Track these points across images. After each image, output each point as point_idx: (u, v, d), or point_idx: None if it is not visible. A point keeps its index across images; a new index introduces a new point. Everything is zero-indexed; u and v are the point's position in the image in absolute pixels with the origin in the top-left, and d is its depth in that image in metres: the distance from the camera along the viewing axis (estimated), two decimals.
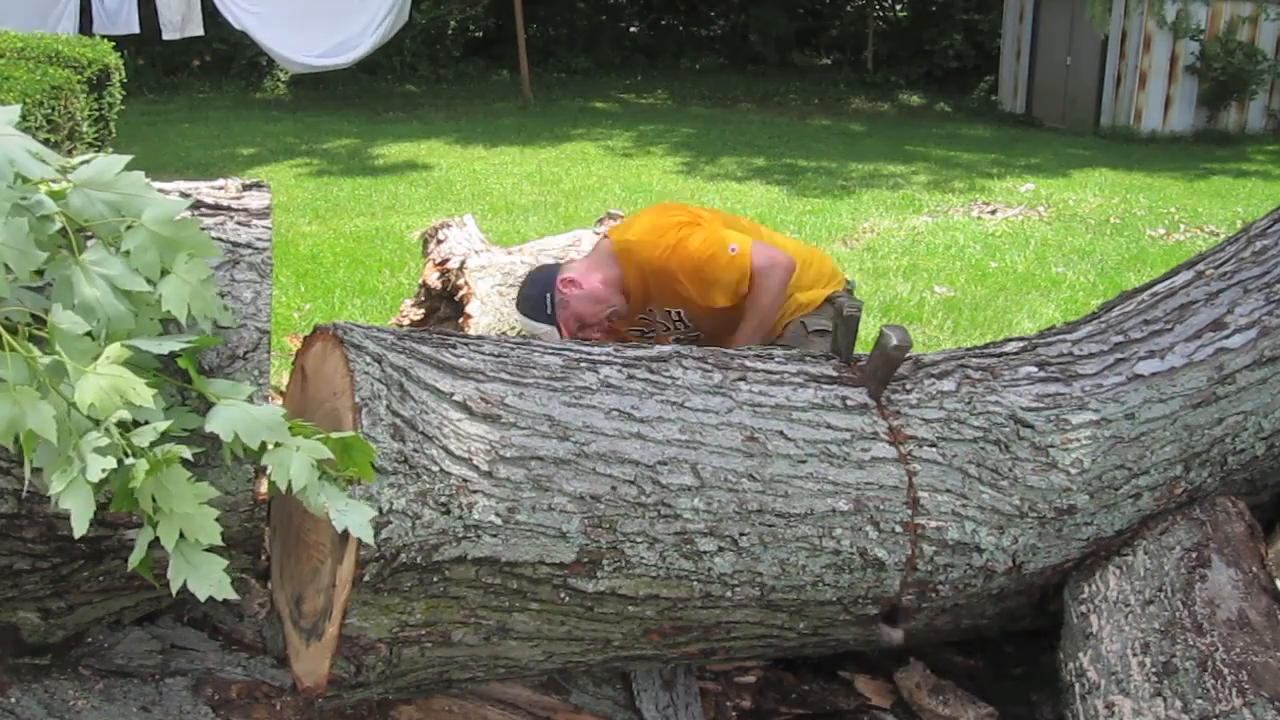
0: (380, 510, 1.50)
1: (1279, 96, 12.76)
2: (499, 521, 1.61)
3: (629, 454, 1.73)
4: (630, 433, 1.76)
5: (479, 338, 1.86)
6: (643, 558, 1.72)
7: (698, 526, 1.76)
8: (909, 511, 1.91)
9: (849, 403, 1.97)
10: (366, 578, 1.52)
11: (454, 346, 1.77)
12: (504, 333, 4.25)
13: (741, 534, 1.79)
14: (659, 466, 1.75)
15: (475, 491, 1.60)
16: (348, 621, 1.56)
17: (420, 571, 1.57)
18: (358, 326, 1.69)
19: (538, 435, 1.68)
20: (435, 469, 1.57)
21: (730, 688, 2.20)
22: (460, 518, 1.58)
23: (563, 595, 1.70)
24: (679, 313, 2.74)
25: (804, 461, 1.86)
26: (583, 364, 1.84)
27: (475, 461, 1.61)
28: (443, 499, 1.57)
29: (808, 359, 2.09)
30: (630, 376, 1.85)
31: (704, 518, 1.76)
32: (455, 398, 1.65)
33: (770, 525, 1.81)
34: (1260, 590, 1.92)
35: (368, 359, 1.59)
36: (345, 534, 1.49)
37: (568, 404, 1.74)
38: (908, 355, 2.05)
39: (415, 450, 1.55)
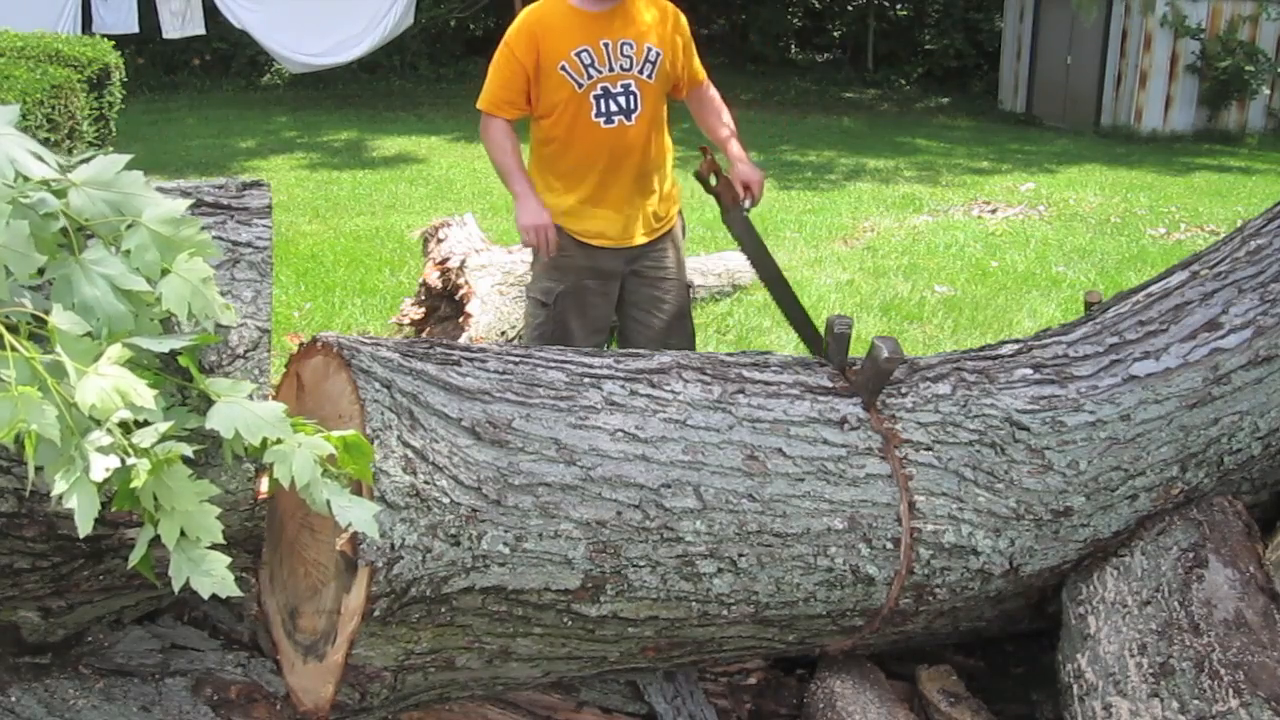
0: (393, 546, 1.50)
1: (1279, 96, 12.76)
2: (507, 551, 1.61)
3: (634, 477, 1.74)
4: (635, 455, 1.76)
5: (482, 350, 1.84)
6: (645, 581, 1.73)
7: (699, 549, 1.77)
8: (900, 525, 1.91)
9: (844, 417, 1.97)
10: (376, 612, 1.52)
11: (459, 364, 1.75)
12: (504, 332, 4.25)
13: (740, 555, 1.80)
14: (663, 490, 1.75)
15: (484, 521, 1.59)
16: (354, 651, 1.56)
17: (429, 603, 1.57)
18: (363, 344, 1.67)
19: (545, 460, 1.68)
20: (446, 500, 1.56)
21: (732, 692, 2.21)
22: (470, 549, 1.58)
23: (566, 620, 1.71)
24: (656, 52, 3.00)
25: (802, 480, 1.87)
26: (586, 379, 1.84)
27: (484, 490, 1.61)
28: (453, 530, 1.56)
29: (802, 368, 2.08)
30: (633, 393, 1.85)
31: (705, 540, 1.77)
32: (464, 423, 1.64)
33: (768, 545, 1.82)
34: (1257, 590, 1.93)
35: (377, 385, 1.58)
36: (353, 564, 1.49)
37: (574, 425, 1.74)
38: (900, 364, 2.06)
39: (426, 483, 1.55)
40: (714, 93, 3.24)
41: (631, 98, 2.97)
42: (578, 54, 2.90)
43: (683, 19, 3.12)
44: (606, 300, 3.12)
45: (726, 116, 3.21)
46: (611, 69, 2.93)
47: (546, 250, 2.98)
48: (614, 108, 2.95)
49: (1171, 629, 1.88)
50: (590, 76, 2.91)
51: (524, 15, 2.95)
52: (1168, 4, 12.12)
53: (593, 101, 2.93)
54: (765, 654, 2.07)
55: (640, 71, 2.97)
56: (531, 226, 2.96)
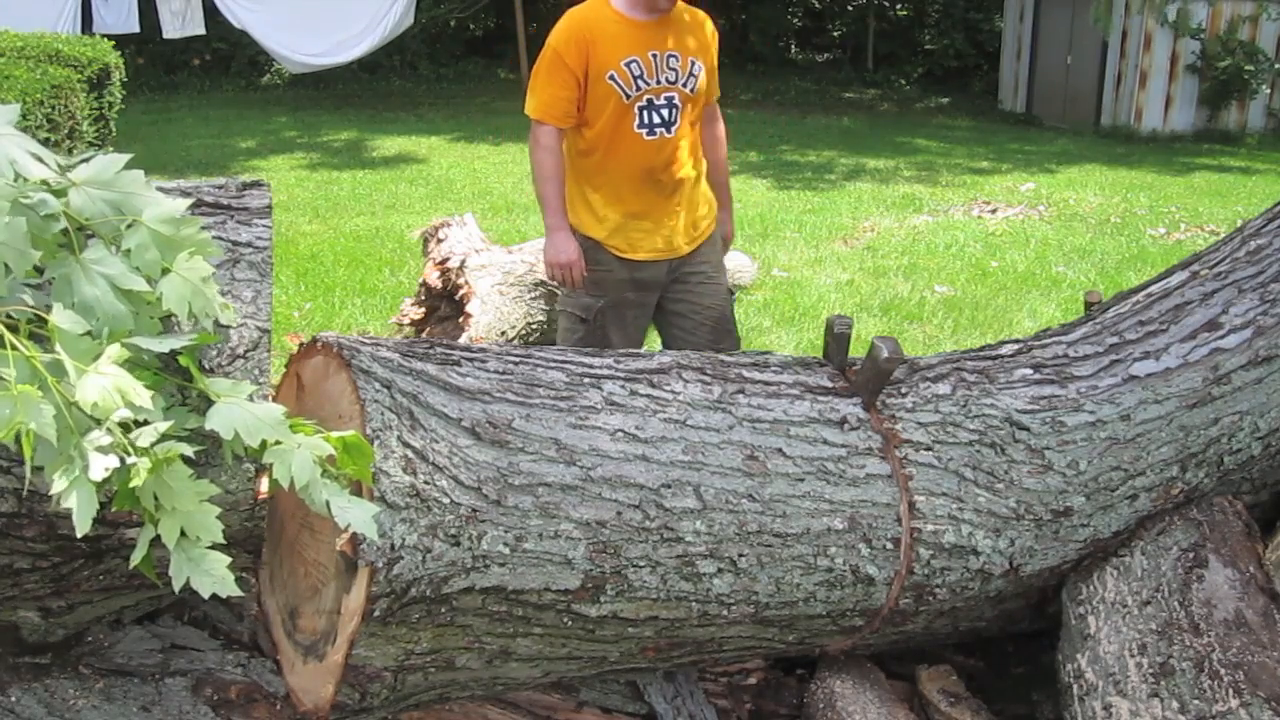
0: (393, 546, 1.50)
1: (1279, 96, 12.76)
2: (507, 551, 1.61)
3: (634, 477, 1.74)
4: (635, 455, 1.76)
5: (482, 351, 1.84)
6: (645, 581, 1.73)
7: (699, 549, 1.77)
8: (900, 525, 1.92)
9: (844, 417, 1.97)
10: (376, 613, 1.52)
11: (459, 364, 1.75)
12: (504, 332, 4.25)
13: (740, 555, 1.80)
14: (663, 490, 1.75)
15: (484, 521, 1.59)
16: (354, 651, 1.55)
17: (429, 604, 1.57)
18: (363, 345, 1.67)
19: (545, 460, 1.68)
20: (446, 500, 1.56)
21: (732, 692, 2.21)
22: (470, 549, 1.58)
23: (566, 620, 1.71)
24: (699, 66, 2.99)
25: (802, 480, 1.87)
26: (586, 380, 1.84)
27: (484, 490, 1.61)
28: (453, 531, 1.56)
29: (802, 368, 2.08)
30: (633, 393, 1.84)
31: (705, 540, 1.77)
32: (464, 423, 1.64)
33: (768, 545, 1.82)
34: (1257, 590, 1.93)
35: (377, 385, 1.58)
36: (353, 564, 1.49)
37: (574, 425, 1.74)
38: (900, 364, 2.06)
39: (426, 483, 1.55)
40: (721, 124, 3.24)
41: (674, 110, 2.94)
42: (627, 64, 2.87)
43: (715, 33, 3.11)
44: (644, 312, 3.10)
45: (725, 155, 3.24)
46: (658, 81, 2.90)
47: (572, 286, 2.99)
48: (656, 119, 2.93)
49: (1171, 629, 1.88)
50: (638, 88, 2.89)
51: (570, 21, 2.90)
52: (1179, 6, 12.10)
53: (636, 113, 2.90)
54: (765, 654, 2.07)
55: (684, 85, 2.95)
56: (557, 264, 2.97)
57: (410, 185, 8.78)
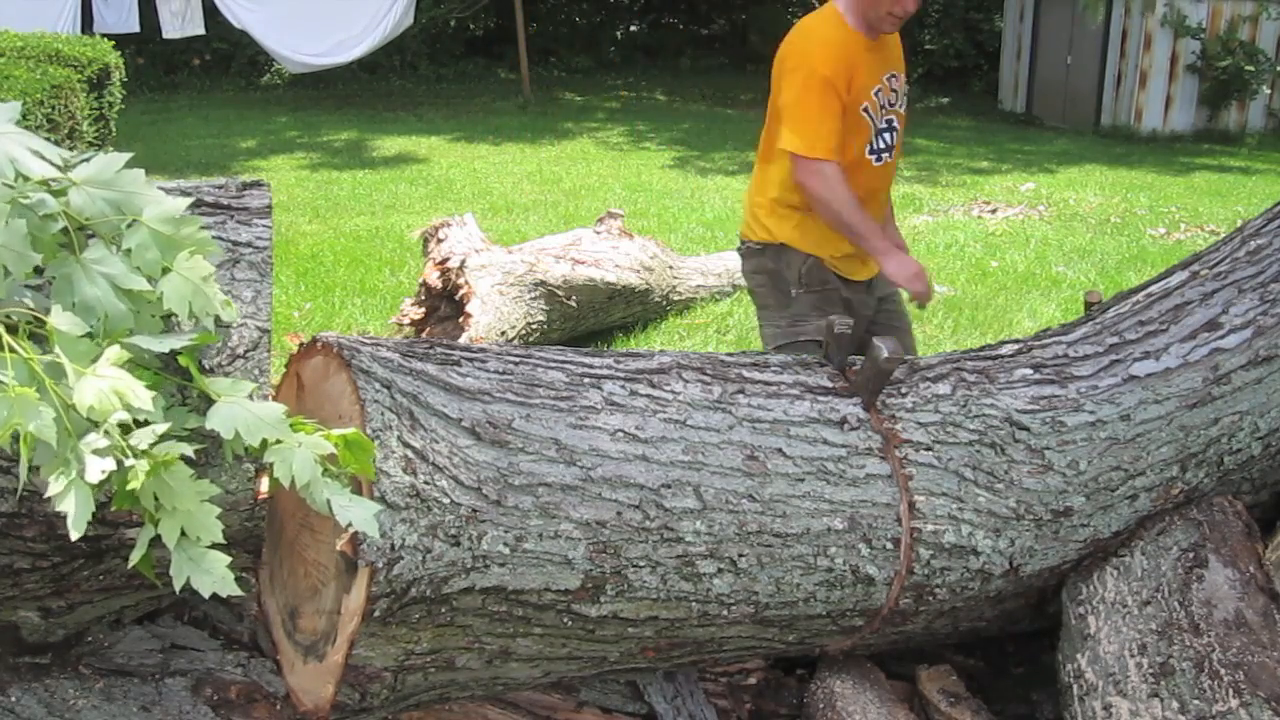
0: (393, 546, 1.50)
1: (1279, 96, 12.77)
2: (507, 551, 1.61)
3: (634, 477, 1.74)
4: (635, 455, 1.76)
5: (482, 351, 1.84)
6: (645, 581, 1.73)
7: (699, 549, 1.77)
8: (900, 525, 1.92)
9: (844, 417, 1.98)
10: (376, 613, 1.52)
11: (459, 364, 1.75)
12: (503, 332, 4.25)
13: (740, 555, 1.80)
14: (663, 490, 1.75)
15: (484, 521, 1.59)
16: (354, 651, 1.56)
17: (429, 604, 1.57)
18: (363, 345, 1.67)
19: (545, 460, 1.68)
20: (446, 500, 1.56)
21: (732, 692, 2.21)
22: (470, 549, 1.58)
23: (566, 620, 1.71)
24: (906, 84, 2.84)
25: (802, 480, 1.87)
26: (586, 380, 1.84)
27: (485, 491, 1.60)
28: (453, 531, 1.56)
29: (802, 368, 2.09)
30: (633, 393, 1.84)
31: (705, 540, 1.77)
32: (464, 423, 1.64)
33: (768, 545, 1.82)
34: (1257, 590, 1.93)
35: (377, 385, 1.58)
36: (353, 564, 1.50)
37: (574, 425, 1.74)
38: (900, 364, 2.06)
39: (426, 483, 1.54)
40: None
41: (894, 134, 2.80)
42: (876, 93, 2.70)
43: None
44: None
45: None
46: (890, 105, 2.76)
47: (928, 295, 2.77)
48: (882, 145, 2.76)
49: (1171, 629, 1.88)
50: (884, 119, 2.73)
51: (830, 45, 2.63)
52: (1167, 4, 12.14)
53: (873, 138, 2.74)
54: (765, 654, 2.07)
55: (900, 106, 2.81)
56: (915, 274, 2.75)
57: (410, 185, 8.78)
